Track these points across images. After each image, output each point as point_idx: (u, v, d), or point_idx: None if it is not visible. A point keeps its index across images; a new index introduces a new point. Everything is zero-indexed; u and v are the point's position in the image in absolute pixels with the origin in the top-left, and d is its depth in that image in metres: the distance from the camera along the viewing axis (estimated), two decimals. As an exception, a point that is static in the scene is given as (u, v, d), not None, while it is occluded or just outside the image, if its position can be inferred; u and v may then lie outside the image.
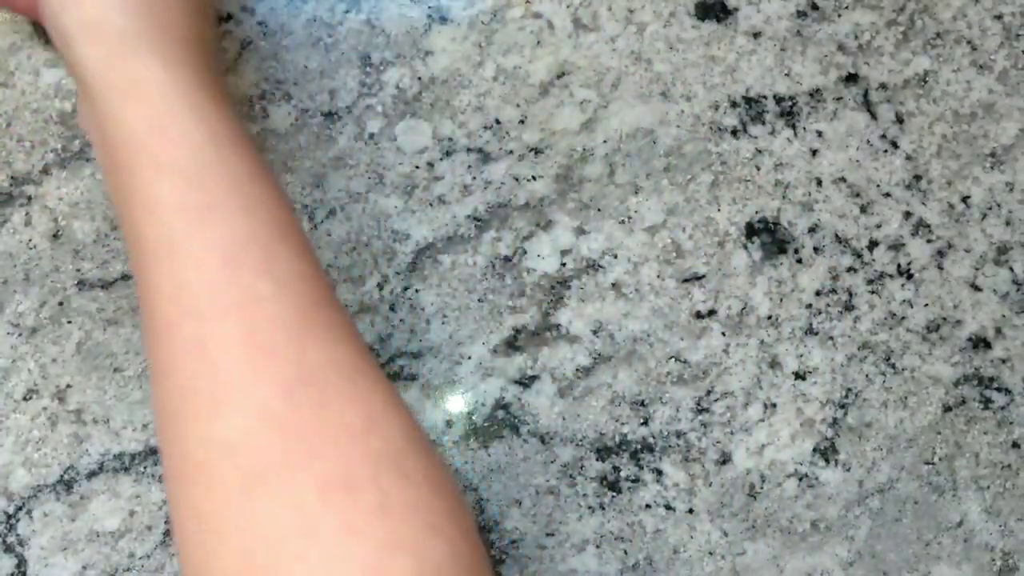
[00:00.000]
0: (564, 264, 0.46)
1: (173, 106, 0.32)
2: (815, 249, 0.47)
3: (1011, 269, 0.48)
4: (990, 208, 0.48)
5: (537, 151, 0.47)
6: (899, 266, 0.47)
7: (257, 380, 0.30)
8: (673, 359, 0.46)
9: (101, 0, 0.33)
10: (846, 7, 0.48)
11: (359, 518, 0.28)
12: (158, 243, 0.31)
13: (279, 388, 0.30)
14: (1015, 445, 0.47)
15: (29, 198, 0.45)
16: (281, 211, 0.33)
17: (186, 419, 0.30)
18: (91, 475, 0.44)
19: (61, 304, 0.45)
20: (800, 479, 0.46)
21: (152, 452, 0.44)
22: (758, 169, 0.47)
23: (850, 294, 0.47)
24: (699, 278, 0.46)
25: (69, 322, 0.45)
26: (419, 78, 0.47)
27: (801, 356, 0.47)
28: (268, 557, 0.28)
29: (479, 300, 0.46)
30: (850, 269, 0.47)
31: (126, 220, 0.33)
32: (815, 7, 0.48)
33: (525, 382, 0.46)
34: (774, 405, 0.46)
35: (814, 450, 0.46)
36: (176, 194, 0.31)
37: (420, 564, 0.28)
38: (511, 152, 0.47)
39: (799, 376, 0.47)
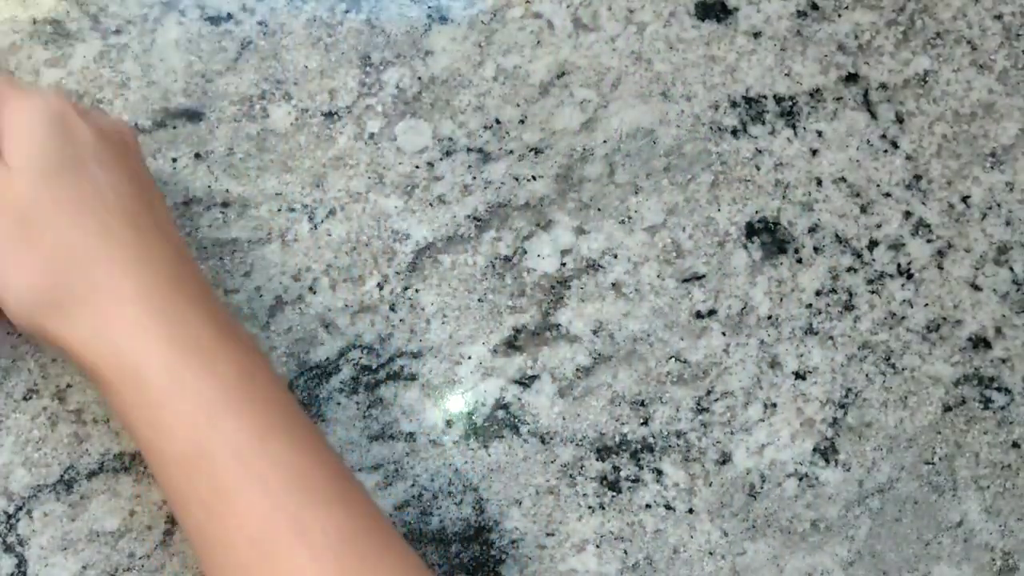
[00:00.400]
0: (564, 264, 0.46)
1: (191, 354, 0.34)
2: (815, 249, 0.47)
3: (1011, 269, 0.48)
4: (990, 208, 0.48)
5: (537, 151, 0.47)
6: (899, 266, 0.47)
7: None
8: (673, 359, 0.46)
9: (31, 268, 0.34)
10: (846, 7, 0.48)
11: None
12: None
13: None
14: (1015, 445, 0.47)
15: (29, 198, 0.45)
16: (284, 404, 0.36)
17: None
18: (91, 475, 0.44)
19: (61, 304, 0.45)
20: (800, 479, 0.46)
21: (152, 452, 0.44)
22: (758, 169, 0.47)
23: (850, 294, 0.47)
24: (699, 278, 0.46)
25: (69, 322, 0.45)
26: (419, 78, 0.47)
27: (801, 356, 0.47)
28: None
29: (479, 300, 0.46)
30: (850, 269, 0.47)
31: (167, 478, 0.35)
32: (815, 7, 0.48)
33: (525, 382, 0.46)
34: (774, 405, 0.46)
35: (814, 450, 0.46)
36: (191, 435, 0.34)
37: None
38: (511, 152, 0.47)
39: (799, 376, 0.47)
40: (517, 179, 0.46)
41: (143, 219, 0.36)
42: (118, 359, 0.34)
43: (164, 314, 0.34)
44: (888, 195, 0.47)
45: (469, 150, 0.46)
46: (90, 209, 0.34)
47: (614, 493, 0.45)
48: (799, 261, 0.47)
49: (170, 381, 0.33)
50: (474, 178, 0.46)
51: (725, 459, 0.46)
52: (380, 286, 0.46)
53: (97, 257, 0.34)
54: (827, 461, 0.46)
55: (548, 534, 0.45)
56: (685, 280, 0.47)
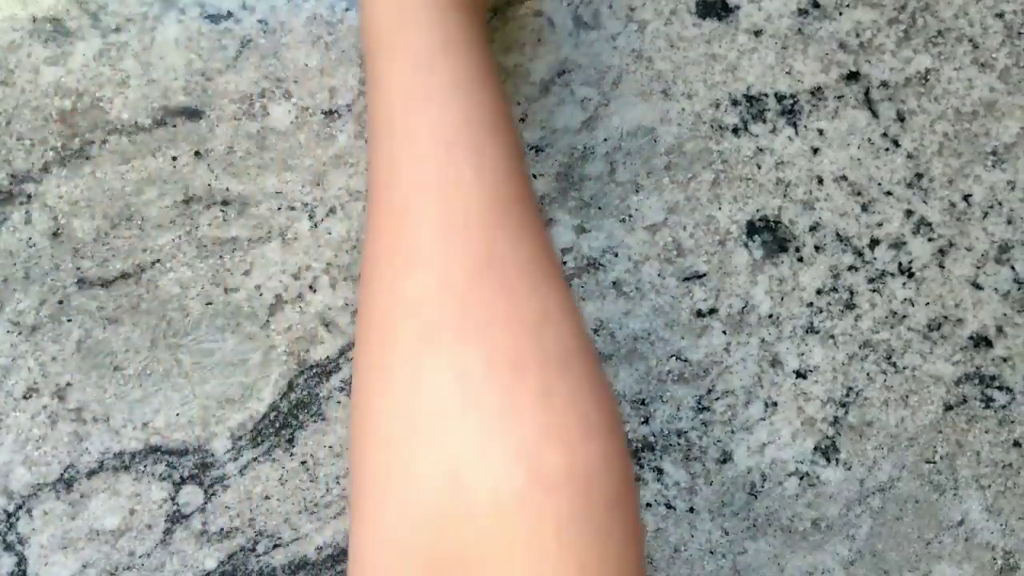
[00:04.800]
0: (565, 262, 0.46)
1: (418, 9, 0.35)
2: (816, 247, 0.47)
3: (1012, 268, 0.47)
4: (991, 206, 0.48)
5: (538, 149, 0.47)
6: (900, 265, 0.47)
7: (446, 254, 0.31)
8: (674, 358, 0.46)
9: None
10: (847, 5, 0.48)
11: (521, 400, 0.29)
12: (381, 124, 0.34)
13: (464, 265, 0.31)
14: (1016, 444, 0.47)
15: (29, 196, 0.45)
16: (498, 110, 0.35)
17: (383, 275, 0.32)
18: (91, 474, 0.44)
19: (61, 302, 0.45)
20: (801, 478, 0.46)
21: (152, 451, 0.44)
22: (759, 167, 0.47)
23: (851, 293, 0.47)
24: (700, 276, 0.46)
25: (69, 320, 0.45)
26: (419, 76, 0.47)
27: (802, 355, 0.47)
28: (430, 423, 0.29)
29: (480, 298, 0.46)
30: (851, 268, 0.47)
31: (368, 106, 0.36)
32: (816, 5, 0.48)
33: (526, 381, 0.46)
34: (775, 404, 0.46)
35: (815, 449, 0.46)
36: (402, 80, 0.34)
37: (571, 461, 0.28)
38: (512, 150, 0.46)
39: (800, 375, 0.47)
40: (518, 177, 0.46)
41: None
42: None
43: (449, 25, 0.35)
44: (889, 194, 0.47)
45: (469, 148, 0.46)
46: None
47: (615, 492, 0.45)
48: (800, 260, 0.47)
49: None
50: (474, 176, 0.46)
51: (726, 458, 0.46)
52: (380, 285, 0.46)
53: None
54: (828, 460, 0.46)
55: (548, 533, 0.45)
56: (686, 279, 0.47)
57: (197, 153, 0.46)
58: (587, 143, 0.47)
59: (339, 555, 0.44)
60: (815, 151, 0.47)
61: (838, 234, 0.47)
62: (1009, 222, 0.48)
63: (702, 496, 0.46)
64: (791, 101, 0.47)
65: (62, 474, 0.44)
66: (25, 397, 0.44)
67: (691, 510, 0.46)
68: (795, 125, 0.47)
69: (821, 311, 0.47)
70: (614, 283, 0.46)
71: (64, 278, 0.45)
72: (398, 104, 0.34)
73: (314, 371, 0.45)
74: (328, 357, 0.45)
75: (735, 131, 0.47)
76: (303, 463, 0.45)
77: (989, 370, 0.47)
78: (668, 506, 0.46)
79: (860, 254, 0.47)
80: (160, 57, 0.46)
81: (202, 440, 0.45)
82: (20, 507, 0.44)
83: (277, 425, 0.45)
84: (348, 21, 0.47)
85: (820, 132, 0.47)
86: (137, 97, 0.46)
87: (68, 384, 0.44)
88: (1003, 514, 0.47)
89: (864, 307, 0.47)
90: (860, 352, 0.47)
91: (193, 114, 0.46)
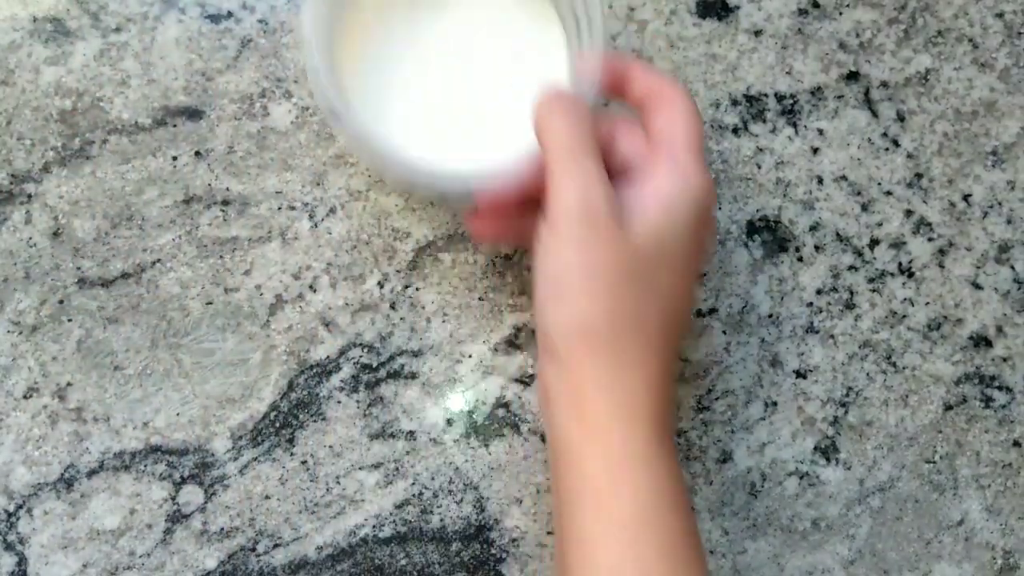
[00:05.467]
0: (565, 262, 0.46)
1: (629, 458, 0.34)
2: (816, 247, 0.47)
3: (1012, 267, 0.48)
4: (991, 206, 0.48)
5: (538, 149, 0.47)
6: (900, 264, 0.47)
7: None
8: (674, 357, 0.46)
9: (590, 305, 0.34)
10: (847, 5, 0.48)
11: None
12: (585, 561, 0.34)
13: None
14: (1016, 444, 0.47)
15: (29, 196, 0.45)
16: (687, 537, 0.35)
17: None
18: (91, 473, 0.44)
19: (61, 302, 0.45)
20: (801, 477, 0.46)
21: (152, 451, 0.44)
22: (759, 167, 0.47)
23: (851, 292, 0.47)
24: (700, 276, 0.46)
25: (69, 320, 0.45)
26: (420, 76, 0.47)
27: (802, 354, 0.47)
28: None
29: (479, 298, 0.46)
30: (851, 267, 0.47)
31: (561, 533, 0.36)
32: (816, 5, 0.48)
33: (526, 380, 0.46)
34: (775, 403, 0.46)
35: (815, 448, 0.46)
36: (607, 545, 0.34)
37: None
38: (512, 150, 0.47)
39: (800, 374, 0.47)
40: (518, 177, 0.46)
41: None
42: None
43: (640, 423, 0.35)
44: (889, 193, 0.47)
45: (470, 148, 0.46)
46: (683, 281, 0.36)
47: (615, 492, 0.45)
48: (800, 259, 0.47)
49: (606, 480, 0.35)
50: (475, 176, 0.46)
51: (726, 457, 0.46)
52: (380, 284, 0.46)
53: (648, 333, 0.35)
54: (828, 460, 0.46)
55: (549, 532, 0.45)
56: (686, 278, 0.46)
57: (197, 153, 0.46)
58: (587, 143, 0.47)
59: (339, 555, 0.44)
60: (815, 151, 0.47)
61: (838, 234, 0.47)
62: (1009, 222, 0.48)
63: (702, 496, 0.46)
64: (791, 101, 0.47)
65: (62, 474, 0.44)
66: (25, 397, 0.44)
67: (691, 509, 0.46)
68: (795, 125, 0.47)
69: (821, 311, 0.47)
70: (614, 283, 0.46)
71: (64, 278, 0.45)
72: (603, 568, 0.34)
73: (314, 371, 0.45)
74: (328, 357, 0.45)
75: (735, 131, 0.47)
76: (303, 463, 0.45)
77: (989, 370, 0.47)
78: (668, 506, 0.46)
79: (860, 254, 0.47)
80: (160, 57, 0.46)
81: (202, 440, 0.45)
82: (20, 507, 0.44)
83: (277, 425, 0.45)
84: (348, 21, 0.47)
85: (820, 132, 0.47)
86: (137, 97, 0.46)
87: (68, 384, 0.44)
88: (1003, 514, 0.47)
89: (864, 307, 0.47)
90: (860, 352, 0.47)
91: (193, 114, 0.46)
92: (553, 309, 0.35)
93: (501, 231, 0.40)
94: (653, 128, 0.37)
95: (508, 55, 0.42)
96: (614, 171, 0.37)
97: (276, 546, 0.44)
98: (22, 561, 0.44)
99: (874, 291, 0.47)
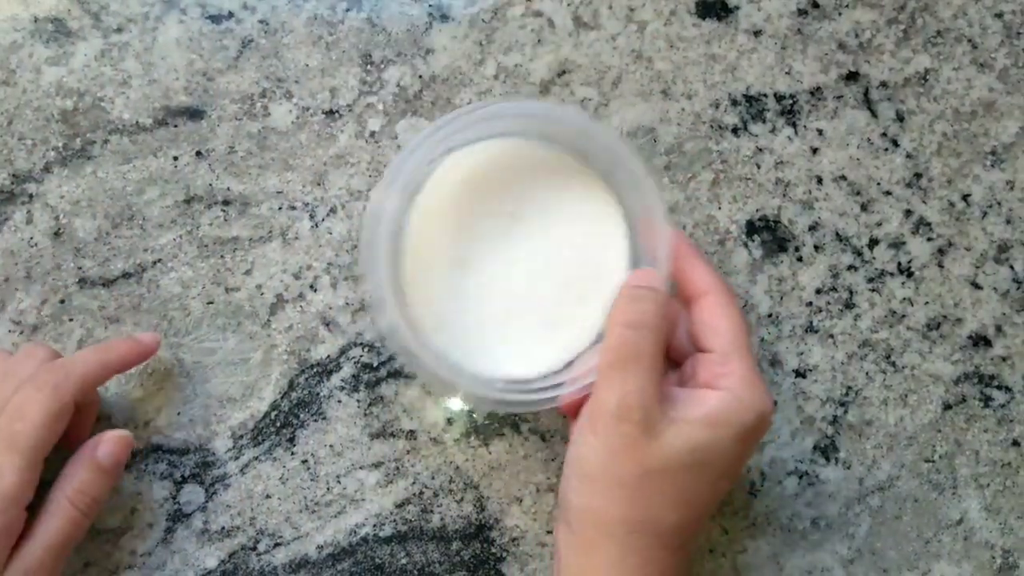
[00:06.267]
0: (565, 262, 0.46)
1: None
2: (815, 247, 0.47)
3: (1011, 267, 0.48)
4: (990, 206, 0.48)
5: (538, 149, 0.47)
6: (899, 264, 0.47)
7: None
8: (674, 357, 0.46)
9: (607, 506, 0.36)
10: (847, 5, 0.48)
11: None
12: None
13: None
14: (1015, 443, 0.47)
15: (30, 196, 0.45)
16: None
17: None
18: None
19: (62, 302, 0.45)
20: (800, 477, 0.46)
21: (153, 450, 0.44)
22: (759, 167, 0.47)
23: (850, 292, 0.47)
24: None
25: (70, 320, 0.45)
26: (420, 76, 0.47)
27: (801, 354, 0.47)
28: None
29: (480, 298, 0.46)
30: (850, 267, 0.47)
31: None
32: (816, 5, 0.48)
33: (526, 380, 0.46)
34: (775, 403, 0.46)
35: (814, 448, 0.46)
36: None
37: None
38: (512, 150, 0.47)
39: (799, 374, 0.47)
40: (518, 177, 0.46)
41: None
42: None
43: None
44: (888, 193, 0.47)
45: (470, 148, 0.46)
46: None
47: (615, 491, 0.45)
48: (799, 259, 0.47)
49: None
50: (475, 176, 0.46)
51: (725, 457, 0.46)
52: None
53: (662, 533, 0.36)
54: (827, 459, 0.46)
55: (548, 532, 0.45)
56: (686, 278, 0.47)
57: (198, 153, 0.46)
58: (587, 143, 0.47)
59: (339, 554, 0.44)
60: (814, 151, 0.47)
61: (837, 234, 0.47)
62: (1008, 222, 0.48)
63: (702, 495, 0.46)
64: (791, 101, 0.47)
65: (64, 473, 0.44)
66: (27, 396, 0.44)
67: None
68: (794, 125, 0.47)
69: (820, 310, 0.47)
70: (614, 282, 0.46)
71: (65, 277, 0.45)
72: None
73: (315, 370, 0.45)
74: (329, 356, 0.45)
75: (735, 131, 0.47)
76: (304, 462, 0.45)
77: (988, 369, 0.47)
78: (668, 505, 0.46)
79: (859, 254, 0.47)
80: (161, 57, 0.46)
81: (203, 439, 0.45)
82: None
83: (278, 424, 0.45)
84: (348, 21, 0.47)
85: (819, 132, 0.47)
86: (138, 97, 0.46)
87: (70, 383, 0.44)
88: (1002, 513, 0.47)
89: (863, 306, 0.47)
90: (859, 351, 0.47)
91: (194, 114, 0.46)
92: (575, 491, 0.37)
93: None
94: (698, 326, 0.38)
95: (571, 254, 0.42)
96: (677, 356, 0.40)
97: (277, 545, 0.44)
98: (23, 560, 0.44)
99: (873, 291, 0.47)
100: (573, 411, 0.39)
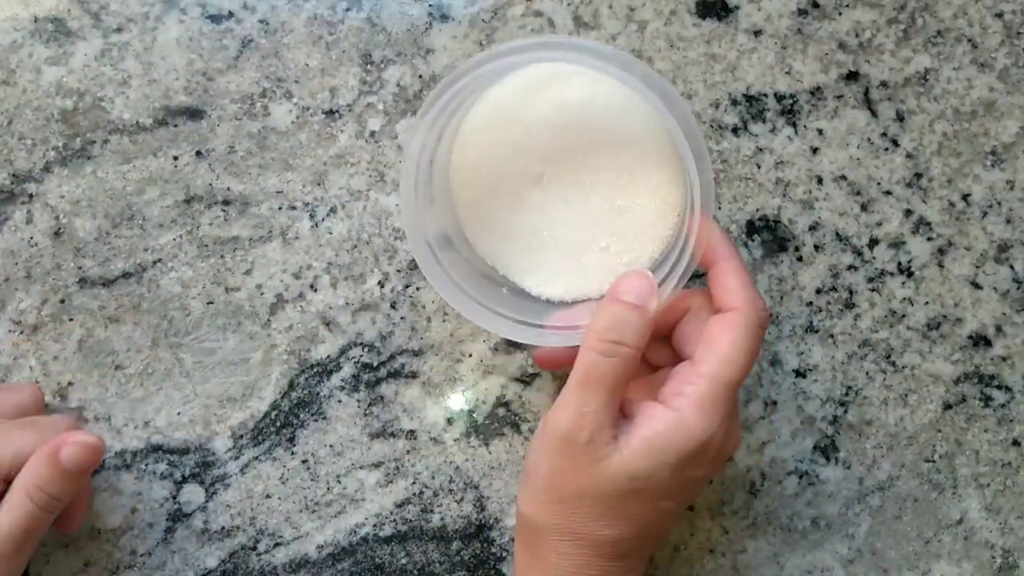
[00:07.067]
0: (565, 262, 0.46)
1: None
2: (816, 247, 0.47)
3: (1011, 267, 0.48)
4: (991, 206, 0.48)
5: (538, 149, 0.47)
6: (900, 264, 0.47)
7: None
8: (674, 357, 0.46)
9: (545, 513, 0.37)
10: (847, 5, 0.48)
11: None
12: None
13: None
14: (1015, 443, 0.47)
15: (31, 196, 0.45)
16: None
17: None
18: (93, 472, 0.44)
19: (62, 302, 0.45)
20: (800, 476, 0.46)
21: (153, 450, 0.44)
22: (759, 167, 0.47)
23: (850, 292, 0.47)
24: (700, 276, 0.46)
25: (70, 320, 0.45)
26: (420, 76, 0.47)
27: (801, 354, 0.47)
28: None
29: (480, 298, 0.46)
30: (851, 267, 0.47)
31: None
32: (816, 5, 0.48)
33: (526, 380, 0.46)
34: (775, 403, 0.46)
35: (814, 448, 0.46)
36: None
37: None
38: (512, 150, 0.47)
39: (799, 374, 0.47)
40: (518, 177, 0.46)
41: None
42: None
43: None
44: (889, 193, 0.47)
45: (470, 148, 0.46)
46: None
47: (615, 491, 0.45)
48: (800, 259, 0.47)
49: None
50: (475, 176, 0.46)
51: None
52: (381, 284, 0.46)
53: (599, 546, 0.37)
54: (827, 459, 0.46)
55: (549, 532, 0.45)
56: (686, 278, 0.47)
57: (198, 153, 0.46)
58: (587, 143, 0.47)
59: (339, 553, 0.45)
60: (814, 151, 0.47)
61: (837, 233, 0.47)
62: (1008, 221, 0.48)
63: (702, 495, 0.46)
64: (791, 101, 0.47)
65: (64, 473, 0.44)
66: (27, 396, 0.44)
67: (691, 508, 0.46)
68: (795, 125, 0.47)
69: (820, 310, 0.47)
70: (614, 282, 0.46)
71: (66, 277, 0.45)
72: None
73: (315, 370, 0.45)
74: (329, 356, 0.45)
75: (735, 131, 0.47)
76: (304, 462, 0.45)
77: (988, 369, 0.47)
78: (668, 505, 0.46)
79: (859, 253, 0.47)
80: (161, 57, 0.46)
81: (203, 439, 0.45)
82: (22, 506, 0.44)
83: (278, 424, 0.45)
84: (349, 21, 0.47)
85: (820, 132, 0.47)
86: (138, 97, 0.46)
87: (70, 383, 0.45)
88: (1002, 513, 0.47)
89: (863, 306, 0.47)
90: (859, 351, 0.47)
91: (194, 114, 0.46)
92: (522, 496, 0.38)
93: (564, 365, 0.42)
94: (704, 334, 0.38)
95: (623, 199, 0.42)
96: (668, 358, 0.41)
97: (277, 545, 0.44)
98: (23, 560, 0.44)
99: (873, 290, 0.47)
100: (545, 363, 0.42)
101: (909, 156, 0.48)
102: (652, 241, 0.41)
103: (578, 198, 0.41)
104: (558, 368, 0.43)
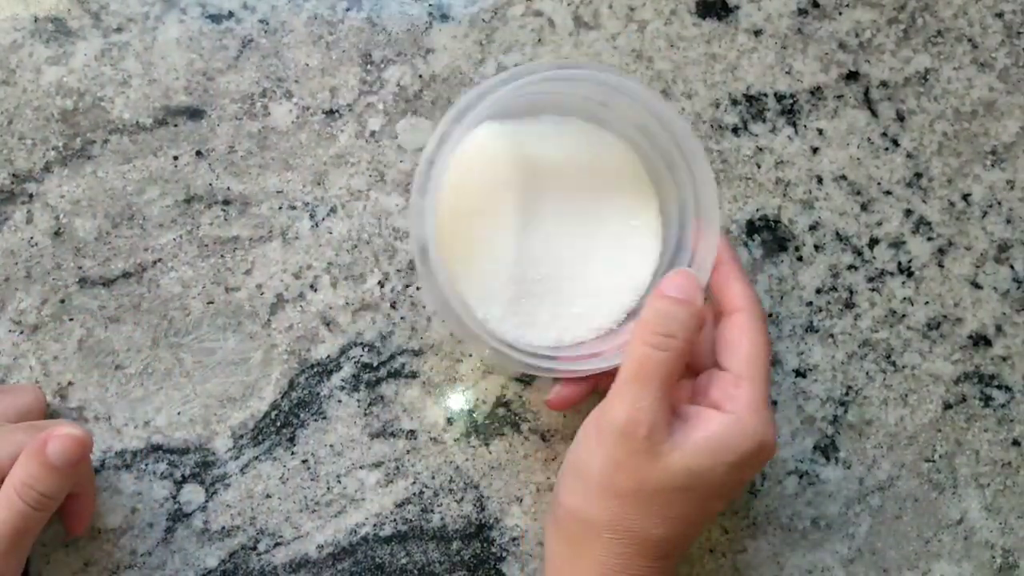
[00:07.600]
0: (565, 262, 0.46)
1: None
2: (816, 247, 0.47)
3: (1011, 267, 0.48)
4: (991, 206, 0.48)
5: (538, 149, 0.47)
6: (900, 264, 0.47)
7: None
8: (674, 357, 0.46)
9: (598, 512, 0.37)
10: (847, 5, 0.48)
11: None
12: None
13: None
14: (1015, 443, 0.47)
15: (31, 196, 0.45)
16: None
17: None
18: (93, 472, 0.44)
19: (63, 302, 0.45)
20: (800, 476, 0.46)
21: (153, 450, 0.44)
22: (759, 167, 0.47)
23: (851, 292, 0.47)
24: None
25: (71, 319, 0.45)
26: (420, 76, 0.47)
27: (802, 354, 0.47)
28: None
29: (480, 298, 0.46)
30: (851, 267, 0.47)
31: None
32: (816, 5, 0.48)
33: (526, 379, 0.46)
34: (775, 403, 0.46)
35: (814, 447, 0.46)
36: None
37: None
38: (512, 150, 0.47)
39: (800, 374, 0.47)
40: (518, 177, 0.46)
41: None
42: None
43: None
44: (889, 193, 0.47)
45: (470, 148, 0.46)
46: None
47: (615, 491, 0.45)
48: (800, 259, 0.47)
49: None
50: (475, 176, 0.46)
51: (726, 457, 0.46)
52: (381, 284, 0.46)
53: (647, 545, 0.37)
54: (827, 459, 0.46)
55: (549, 531, 0.45)
56: (686, 278, 0.47)
57: (198, 153, 0.46)
58: (587, 143, 0.47)
59: (339, 553, 0.45)
60: (815, 151, 0.47)
61: (838, 233, 0.47)
62: (1008, 221, 0.48)
63: (702, 495, 0.46)
64: (791, 101, 0.47)
65: (64, 473, 0.44)
66: (27, 396, 0.44)
67: (691, 509, 0.46)
68: (795, 125, 0.47)
69: (820, 310, 0.47)
70: (614, 282, 0.46)
71: (66, 277, 0.45)
72: None
73: (315, 370, 0.45)
74: (329, 356, 0.45)
75: (735, 130, 0.47)
76: (304, 462, 0.45)
77: (988, 369, 0.47)
78: (668, 505, 0.46)
79: (859, 253, 0.47)
80: (161, 57, 0.46)
81: (203, 439, 0.45)
82: (22, 506, 0.44)
83: (278, 424, 0.45)
84: (348, 21, 0.47)
85: (820, 131, 0.47)
86: (138, 97, 0.46)
87: (70, 383, 0.44)
88: (1002, 513, 0.47)
89: (863, 306, 0.47)
90: (859, 351, 0.47)
91: (194, 114, 0.46)
92: (569, 491, 0.38)
93: (577, 403, 0.42)
94: (722, 340, 0.39)
95: (605, 237, 0.42)
96: (696, 364, 0.40)
97: (277, 545, 0.44)
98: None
99: (873, 290, 0.47)
100: (560, 405, 0.41)
101: (909, 156, 0.48)
102: (633, 290, 0.42)
103: (565, 245, 0.42)
104: (570, 407, 0.43)
